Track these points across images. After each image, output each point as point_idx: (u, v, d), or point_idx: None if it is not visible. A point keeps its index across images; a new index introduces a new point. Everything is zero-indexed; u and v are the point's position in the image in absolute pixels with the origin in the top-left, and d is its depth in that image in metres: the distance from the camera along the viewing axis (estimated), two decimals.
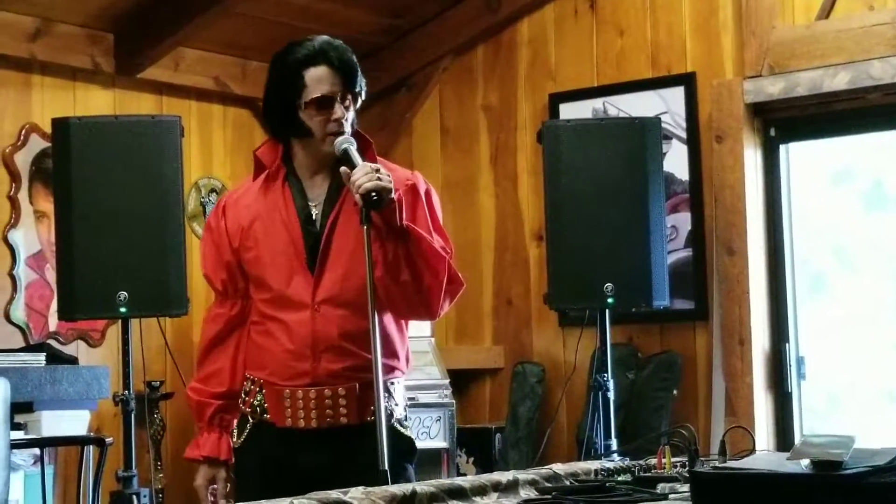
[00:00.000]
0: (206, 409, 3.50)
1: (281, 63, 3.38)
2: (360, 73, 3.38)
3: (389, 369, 3.36)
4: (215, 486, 3.52)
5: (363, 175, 3.15)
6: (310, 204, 3.41)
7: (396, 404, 3.41)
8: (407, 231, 3.23)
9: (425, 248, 3.25)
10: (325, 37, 3.39)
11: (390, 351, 3.37)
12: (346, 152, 3.26)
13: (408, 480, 3.29)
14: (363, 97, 3.41)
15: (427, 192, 3.42)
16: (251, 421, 3.44)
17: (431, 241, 3.28)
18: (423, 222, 3.34)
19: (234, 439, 3.47)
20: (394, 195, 3.17)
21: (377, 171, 3.17)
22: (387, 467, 2.97)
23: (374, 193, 3.12)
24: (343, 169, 3.22)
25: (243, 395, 3.47)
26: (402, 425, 3.43)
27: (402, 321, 3.46)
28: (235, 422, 3.50)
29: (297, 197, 3.41)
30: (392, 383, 3.40)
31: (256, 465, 3.42)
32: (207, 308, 3.70)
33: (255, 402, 3.42)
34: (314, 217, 3.39)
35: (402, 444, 3.40)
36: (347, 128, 3.33)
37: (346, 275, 3.32)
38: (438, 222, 3.42)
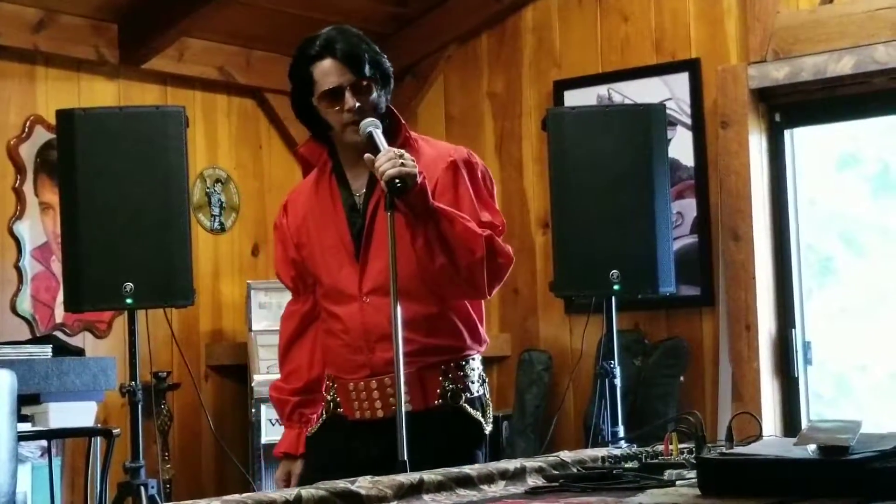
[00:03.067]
0: (284, 407, 3.53)
1: (294, 63, 3.38)
2: (370, 56, 3.35)
3: (453, 350, 3.35)
4: (289, 481, 3.52)
5: (386, 161, 3.12)
6: (354, 194, 3.40)
7: (471, 383, 3.37)
8: (436, 213, 3.20)
9: (458, 229, 3.21)
10: (334, 27, 3.38)
11: (451, 331, 3.35)
12: (370, 137, 3.23)
13: None
14: (385, 77, 3.38)
15: (470, 166, 3.38)
16: (325, 415, 3.47)
17: (464, 220, 3.23)
18: (465, 199, 3.31)
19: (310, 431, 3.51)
20: (418, 179, 3.14)
21: (401, 156, 3.14)
22: (405, 458, 2.96)
23: (397, 180, 3.10)
24: (367, 156, 3.19)
25: (325, 392, 3.50)
26: (473, 406, 3.37)
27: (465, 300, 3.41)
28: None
29: (342, 187, 3.41)
30: (466, 362, 3.37)
31: (325, 455, 3.43)
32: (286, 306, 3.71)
33: (329, 398, 3.46)
34: (358, 206, 3.38)
35: (469, 428, 3.38)
36: (367, 114, 3.29)
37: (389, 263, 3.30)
38: (484, 195, 3.37)
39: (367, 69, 3.33)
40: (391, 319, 3.18)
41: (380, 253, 3.30)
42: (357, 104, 3.29)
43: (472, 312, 3.41)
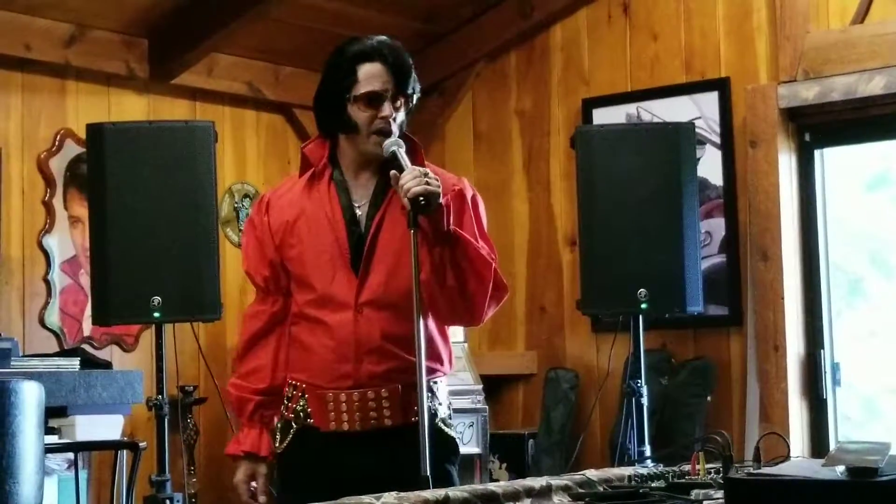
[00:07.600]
0: (247, 405, 3.49)
1: (337, 56, 3.39)
2: (413, 76, 3.38)
3: (431, 370, 3.35)
4: (255, 482, 3.51)
5: (412, 179, 3.14)
6: (354, 204, 3.40)
7: (440, 404, 3.41)
8: (454, 236, 3.23)
9: (472, 254, 3.25)
10: (384, 37, 3.40)
11: (433, 353, 3.36)
12: (394, 154, 3.26)
13: (451, 483, 3.28)
14: (415, 101, 3.41)
15: (473, 199, 3.41)
16: (294, 427, 3.43)
17: (478, 247, 3.27)
18: (469, 229, 3.33)
19: (276, 445, 3.47)
20: (441, 200, 3.17)
21: (426, 174, 3.16)
22: (429, 473, 2.96)
23: (422, 198, 3.12)
24: (392, 172, 3.21)
25: (286, 401, 3.45)
26: (445, 425, 3.42)
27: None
28: (277, 425, 3.49)
29: (342, 196, 3.41)
30: (435, 383, 3.40)
31: (301, 471, 3.42)
32: (249, 305, 3.69)
33: (298, 408, 3.41)
34: (358, 217, 3.39)
35: (445, 445, 3.40)
36: (395, 128, 3.33)
37: (390, 277, 3.32)
38: (483, 229, 3.41)
39: (409, 86, 3.37)
40: (383, 333, 3.30)
41: (380, 266, 3.33)
42: (394, 114, 3.32)
43: (448, 337, 3.47)
